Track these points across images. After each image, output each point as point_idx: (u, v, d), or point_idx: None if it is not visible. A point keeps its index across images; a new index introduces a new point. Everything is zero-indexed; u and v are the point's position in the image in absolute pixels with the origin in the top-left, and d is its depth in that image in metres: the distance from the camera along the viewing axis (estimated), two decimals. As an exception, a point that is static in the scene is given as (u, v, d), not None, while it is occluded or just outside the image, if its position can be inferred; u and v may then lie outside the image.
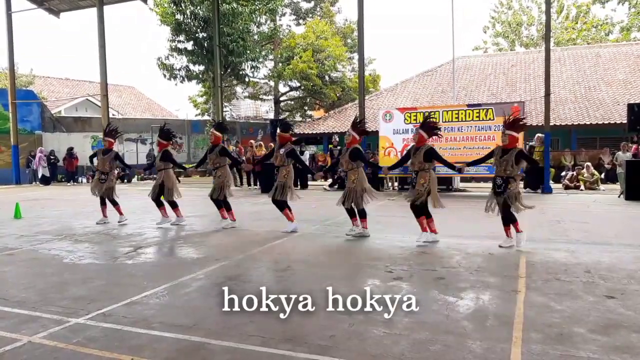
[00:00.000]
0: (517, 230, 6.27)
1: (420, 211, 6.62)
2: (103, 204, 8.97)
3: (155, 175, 9.35)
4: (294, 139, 8.43)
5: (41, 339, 3.47)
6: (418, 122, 13.94)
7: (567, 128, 20.45)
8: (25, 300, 4.36)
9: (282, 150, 7.57)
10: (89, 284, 4.90)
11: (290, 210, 7.66)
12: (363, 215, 7.18)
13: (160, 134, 8.72)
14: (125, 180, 21.79)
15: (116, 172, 9.19)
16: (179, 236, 7.64)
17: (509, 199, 6.12)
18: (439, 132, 6.86)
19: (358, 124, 7.31)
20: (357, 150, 7.05)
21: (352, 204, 7.03)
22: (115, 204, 8.93)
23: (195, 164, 8.97)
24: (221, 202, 8.29)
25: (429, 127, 6.74)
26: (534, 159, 6.26)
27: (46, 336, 3.52)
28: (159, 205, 8.69)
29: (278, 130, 7.86)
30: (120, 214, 8.91)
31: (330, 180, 16.65)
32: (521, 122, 6.37)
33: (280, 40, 30.20)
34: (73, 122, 25.14)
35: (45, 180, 20.29)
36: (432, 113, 13.83)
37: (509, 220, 6.26)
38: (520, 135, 6.43)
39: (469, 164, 7.20)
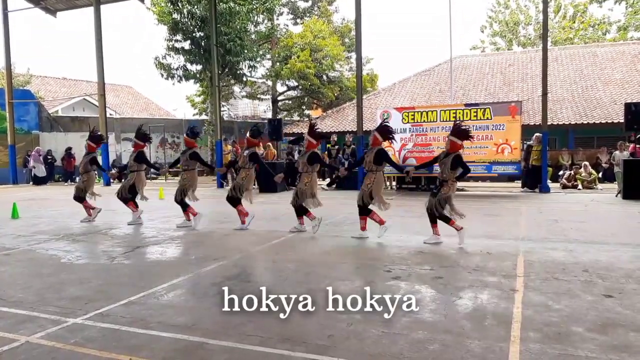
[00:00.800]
0: (457, 229, 6.46)
1: (363, 210, 7.00)
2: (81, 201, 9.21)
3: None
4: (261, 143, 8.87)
5: (39, 339, 3.46)
6: (416, 121, 14.03)
7: (564, 127, 20.48)
8: (23, 301, 4.35)
9: (245, 152, 7.96)
10: (86, 284, 4.89)
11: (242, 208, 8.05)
12: (302, 212, 7.51)
13: (137, 134, 8.87)
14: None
15: (114, 171, 9.35)
16: (177, 236, 7.63)
17: (440, 202, 6.41)
18: (392, 137, 7.33)
19: (314, 129, 7.68)
20: (315, 155, 7.47)
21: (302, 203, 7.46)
22: (82, 201, 9.14)
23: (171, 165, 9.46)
24: (186, 204, 8.39)
25: (384, 130, 7.11)
26: (467, 166, 6.49)
27: (44, 336, 3.51)
28: (126, 202, 8.85)
29: (248, 135, 8.17)
30: (89, 214, 9.17)
31: (328, 180, 16.65)
32: (465, 131, 6.59)
33: (278, 39, 30.17)
34: (70, 121, 25.06)
35: (38, 180, 20.20)
36: (431, 112, 13.93)
37: (434, 218, 6.57)
38: (462, 143, 6.61)
39: (417, 167, 8.00)
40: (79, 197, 9.13)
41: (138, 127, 9.01)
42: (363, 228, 7.11)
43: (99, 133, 9.57)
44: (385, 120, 14.41)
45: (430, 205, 6.54)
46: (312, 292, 4.52)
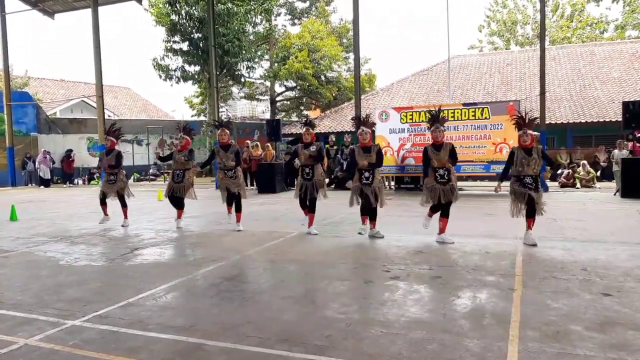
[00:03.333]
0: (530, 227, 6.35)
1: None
2: (103, 203, 8.67)
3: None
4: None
5: (37, 342, 3.45)
6: (414, 121, 14.00)
7: (562, 126, 20.51)
8: (21, 303, 4.35)
9: (313, 148, 7.50)
10: (85, 285, 4.89)
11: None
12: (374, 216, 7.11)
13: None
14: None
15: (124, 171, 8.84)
16: (175, 237, 7.62)
17: (538, 198, 6.17)
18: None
19: (368, 120, 7.15)
20: (381, 150, 7.10)
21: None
22: (124, 205, 8.72)
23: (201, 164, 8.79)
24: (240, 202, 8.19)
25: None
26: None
27: (42, 338, 3.51)
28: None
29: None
30: (126, 217, 8.73)
31: (327, 180, 16.65)
32: (534, 119, 6.36)
33: (276, 40, 30.20)
34: (68, 123, 25.06)
35: (45, 182, 20.20)
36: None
37: (533, 212, 6.24)
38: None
39: (502, 178, 6.68)
40: (124, 200, 8.70)
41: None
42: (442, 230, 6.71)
43: (116, 127, 8.98)
44: (385, 120, 14.47)
45: (533, 201, 6.15)
46: (311, 292, 4.53)
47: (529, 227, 6.32)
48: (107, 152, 8.70)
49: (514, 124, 6.51)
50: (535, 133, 5.92)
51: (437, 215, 6.75)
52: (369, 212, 6.98)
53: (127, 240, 7.39)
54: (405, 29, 74.89)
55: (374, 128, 7.29)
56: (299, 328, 3.60)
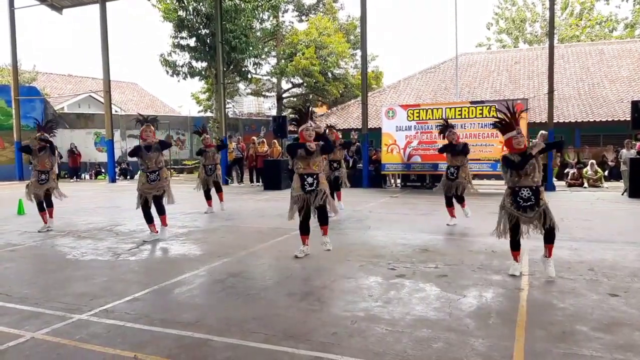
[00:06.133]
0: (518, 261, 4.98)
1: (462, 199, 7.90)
2: (42, 209, 7.99)
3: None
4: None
5: (44, 335, 3.48)
6: (421, 119, 13.95)
7: (570, 125, 20.36)
8: (28, 297, 4.38)
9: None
10: (91, 280, 4.91)
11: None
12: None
13: None
14: (128, 177, 21.83)
15: (56, 169, 7.80)
16: (181, 233, 7.64)
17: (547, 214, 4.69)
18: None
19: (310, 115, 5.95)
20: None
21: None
22: (50, 206, 8.05)
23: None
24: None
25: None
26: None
27: (49, 332, 3.53)
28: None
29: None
30: (45, 222, 7.97)
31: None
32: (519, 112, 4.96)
33: (283, 36, 30.19)
34: (76, 118, 25.17)
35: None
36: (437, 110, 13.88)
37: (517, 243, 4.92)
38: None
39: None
40: (51, 202, 8.04)
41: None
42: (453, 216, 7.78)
43: (52, 123, 8.35)
44: (391, 118, 14.44)
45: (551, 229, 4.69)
46: (316, 289, 4.53)
47: (548, 253, 4.77)
48: (40, 149, 7.94)
49: (499, 129, 5.13)
50: (544, 132, 5.54)
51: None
52: (319, 216, 5.84)
53: (133, 236, 7.42)
54: (413, 26, 74.60)
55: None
56: (304, 325, 3.60)
